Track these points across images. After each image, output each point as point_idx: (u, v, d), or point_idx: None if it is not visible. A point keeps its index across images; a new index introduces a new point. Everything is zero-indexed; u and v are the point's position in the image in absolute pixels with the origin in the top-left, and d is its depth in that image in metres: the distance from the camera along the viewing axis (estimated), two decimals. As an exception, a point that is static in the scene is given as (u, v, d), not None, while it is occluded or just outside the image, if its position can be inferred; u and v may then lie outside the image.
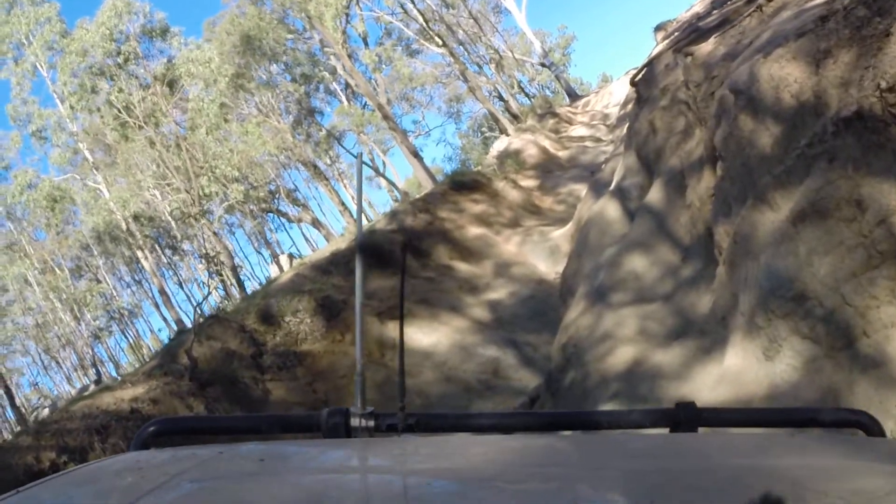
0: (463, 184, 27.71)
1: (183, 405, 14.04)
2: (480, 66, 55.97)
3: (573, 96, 53.18)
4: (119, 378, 20.52)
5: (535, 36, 58.85)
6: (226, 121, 39.31)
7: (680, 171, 13.53)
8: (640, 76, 21.18)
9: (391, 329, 18.47)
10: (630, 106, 37.89)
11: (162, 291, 38.89)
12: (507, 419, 2.28)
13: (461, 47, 49.32)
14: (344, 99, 54.96)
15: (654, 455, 1.65)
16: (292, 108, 51.48)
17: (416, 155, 32.66)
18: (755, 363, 8.60)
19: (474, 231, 25.20)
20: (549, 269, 23.54)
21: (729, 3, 14.20)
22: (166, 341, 21.07)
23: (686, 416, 1.86)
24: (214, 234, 33.81)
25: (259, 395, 15.86)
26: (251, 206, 45.96)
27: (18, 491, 1.38)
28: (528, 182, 30.58)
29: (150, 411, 13.46)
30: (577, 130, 41.74)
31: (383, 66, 53.69)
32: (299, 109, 51.57)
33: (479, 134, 61.86)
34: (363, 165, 3.41)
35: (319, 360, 16.93)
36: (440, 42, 39.57)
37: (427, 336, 18.86)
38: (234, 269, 33.47)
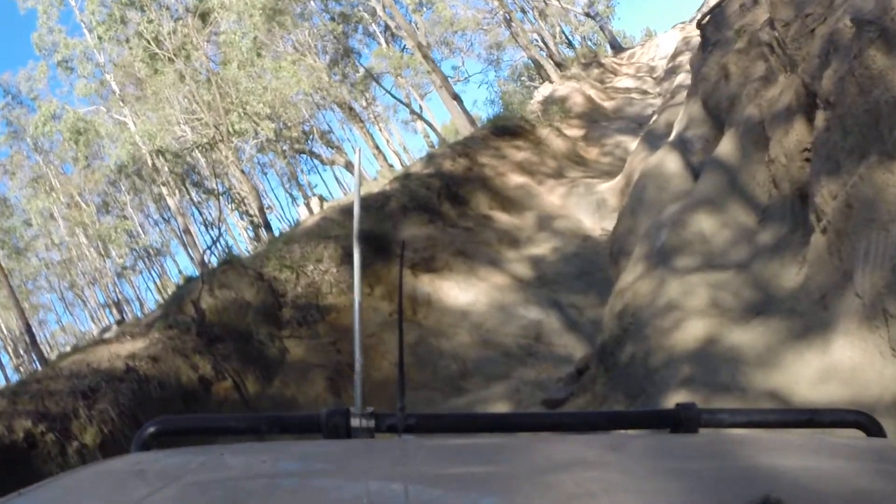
0: (506, 129, 25.87)
1: (187, 364, 12.38)
2: (525, 12, 54.20)
3: (617, 48, 51.58)
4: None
5: (582, -17, 57.18)
6: (259, 55, 37.57)
7: (759, 121, 11.98)
8: (707, 18, 19.35)
9: (425, 283, 16.88)
10: (689, 55, 36.62)
11: (186, 231, 37.35)
12: (508, 420, 2.36)
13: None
14: (383, 41, 53.61)
15: (655, 456, 1.62)
16: (329, 48, 50.12)
17: (455, 98, 30.69)
18: (879, 359, 6.97)
19: (516, 180, 23.42)
20: (595, 224, 21.84)
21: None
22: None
23: (686, 417, 1.83)
24: (242, 172, 32.10)
25: (274, 353, 14.21)
26: (283, 146, 44.59)
27: (20, 493, 1.36)
28: (573, 131, 28.76)
29: (148, 371, 11.81)
30: (623, 82, 40.05)
31: (424, 8, 51.99)
32: (336, 49, 50.12)
33: (520, 82, 59.86)
34: (361, 168, 2.49)
35: (345, 316, 15.11)
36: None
37: (464, 293, 17.18)
38: (262, 210, 31.75)
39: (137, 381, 11.13)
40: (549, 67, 34.47)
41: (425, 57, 38.31)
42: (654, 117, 26.46)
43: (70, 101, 46.37)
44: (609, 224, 21.05)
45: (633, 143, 27.07)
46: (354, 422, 1.80)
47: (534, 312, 16.94)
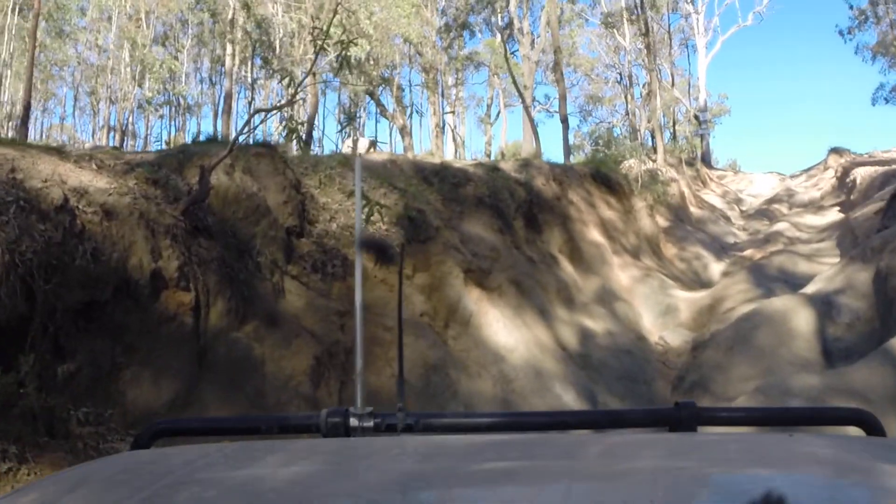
0: (606, 179, 21.63)
1: (147, 243, 7.79)
2: (638, 84, 50.50)
3: (707, 163, 47.65)
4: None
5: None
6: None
7: None
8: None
9: (473, 298, 12.56)
10: (786, 205, 33.40)
11: (229, 96, 32.77)
12: (507, 419, 2.23)
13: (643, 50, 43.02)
14: (499, 35, 50.12)
15: (654, 455, 1.57)
16: (450, 13, 46.62)
17: (564, 121, 26.41)
18: None
19: (595, 236, 19.20)
20: (656, 328, 17.68)
21: None
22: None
23: (685, 416, 1.77)
24: (314, 74, 27.83)
25: (266, 289, 9.57)
26: (362, 77, 40.78)
27: (19, 490, 1.46)
28: (660, 219, 24.60)
29: (89, 223, 7.31)
30: (710, 197, 36.20)
31: (559, 24, 48.25)
32: (456, 17, 46.63)
33: (595, 144, 56.22)
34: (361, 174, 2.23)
35: (371, 286, 10.72)
36: (642, 28, 33.15)
37: (507, 332, 12.84)
38: (312, 122, 27.43)
39: (63, 231, 6.73)
40: (659, 144, 30.21)
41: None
42: (755, 254, 22.58)
43: None
44: (671, 336, 17.06)
45: (711, 261, 23.51)
46: (354, 421, 1.74)
47: (569, 396, 12.69)
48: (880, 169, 26.90)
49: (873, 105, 61.95)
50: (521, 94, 33.13)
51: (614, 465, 1.47)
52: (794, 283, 17.42)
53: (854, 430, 1.79)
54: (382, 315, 10.19)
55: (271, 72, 33.81)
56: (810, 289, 14.47)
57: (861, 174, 28.13)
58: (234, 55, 33.37)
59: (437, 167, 15.49)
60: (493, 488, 1.31)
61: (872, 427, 1.76)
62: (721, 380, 13.01)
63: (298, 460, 1.54)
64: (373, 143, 30.95)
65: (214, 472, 1.48)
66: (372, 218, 11.28)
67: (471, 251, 13.43)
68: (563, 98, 28.32)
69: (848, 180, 30.16)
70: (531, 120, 31.69)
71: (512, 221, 15.94)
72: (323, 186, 11.62)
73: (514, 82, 32.14)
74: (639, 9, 34.58)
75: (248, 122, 10.16)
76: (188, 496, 1.29)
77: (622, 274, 19.09)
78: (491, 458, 1.52)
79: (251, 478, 1.42)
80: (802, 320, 13.45)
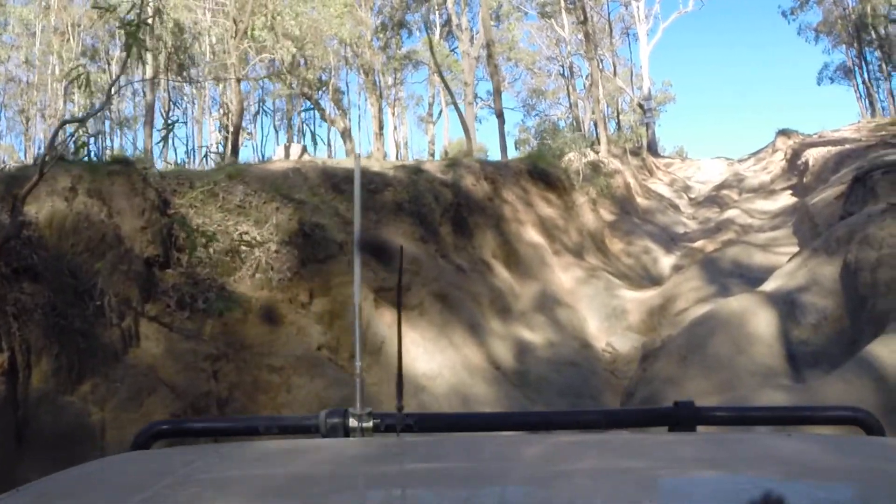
0: (544, 174, 19.86)
1: None
2: (581, 75, 49.12)
3: (653, 152, 46.36)
4: None
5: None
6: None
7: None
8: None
9: (386, 322, 10.71)
10: (736, 191, 32.04)
11: (150, 109, 30.65)
12: (506, 419, 2.23)
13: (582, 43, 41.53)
14: (437, 32, 48.75)
15: (653, 455, 1.54)
16: (386, 11, 45.03)
17: (500, 116, 24.61)
18: None
19: (533, 236, 17.46)
20: (603, 333, 15.99)
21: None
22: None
23: (685, 416, 1.77)
24: (238, 80, 25.98)
25: (114, 336, 7.24)
26: (293, 81, 39.05)
27: (17, 490, 1.32)
28: (605, 212, 22.97)
29: None
30: (657, 186, 34.90)
31: (494, 20, 46.72)
32: (392, 16, 45.09)
33: (541, 138, 54.99)
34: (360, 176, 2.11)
35: (258, 325, 8.69)
36: (580, 16, 31.52)
37: (428, 356, 10.97)
38: (238, 131, 25.47)
39: None
40: (602, 135, 28.62)
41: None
42: (707, 245, 21.01)
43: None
44: (620, 342, 15.42)
45: (661, 254, 21.96)
46: (353, 422, 1.72)
47: (503, 426, 10.96)
48: (833, 149, 25.45)
49: (819, 85, 61.69)
50: (449, 91, 31.43)
51: (613, 464, 1.42)
52: (750, 277, 15.83)
53: (853, 430, 1.74)
54: (267, 355, 8.40)
55: (187, 80, 31.86)
56: (770, 286, 12.81)
57: (813, 155, 26.69)
58: (154, 65, 31.26)
59: (349, 173, 13.65)
60: (492, 488, 1.28)
61: (872, 427, 1.72)
62: (674, 395, 11.26)
63: (298, 461, 1.52)
64: (304, 149, 29.06)
65: (214, 472, 1.44)
66: (264, 228, 9.53)
67: (385, 266, 11.66)
68: (497, 92, 26.56)
69: (799, 162, 28.79)
70: (461, 116, 30.03)
71: (437, 227, 14.15)
72: (200, 205, 9.70)
73: (441, 77, 30.44)
74: (574, -4, 32.95)
75: (53, 137, 8.18)
76: (188, 496, 1.26)
77: (564, 275, 17.39)
78: (490, 458, 1.49)
79: (251, 478, 1.38)
80: (763, 323, 11.82)
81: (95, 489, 1.35)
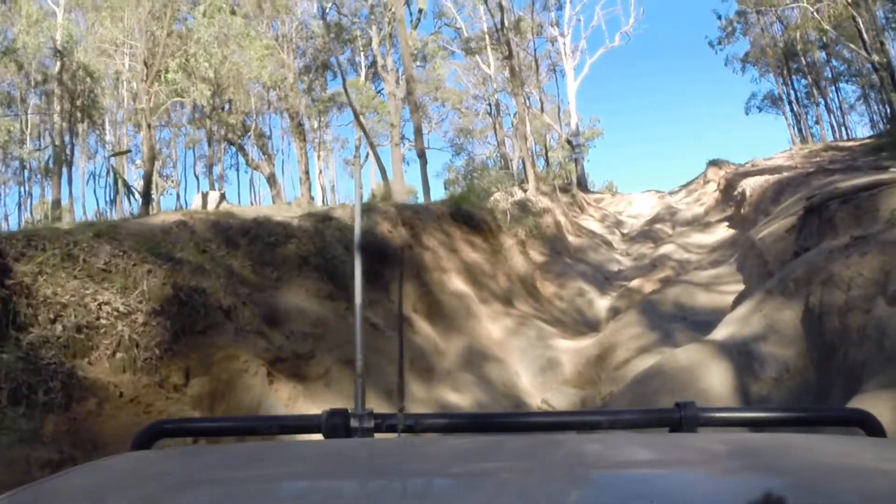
0: (468, 217, 18.34)
1: None
2: (509, 114, 48.16)
3: (583, 187, 45.45)
4: None
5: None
6: (233, 13, 30.35)
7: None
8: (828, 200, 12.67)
9: (283, 399, 9.04)
10: (669, 224, 30.95)
11: (61, 146, 28.68)
12: (506, 420, 2.14)
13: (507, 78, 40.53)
14: (363, 74, 47.57)
15: (654, 455, 1.52)
16: (309, 54, 43.64)
17: (421, 156, 23.03)
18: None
19: (457, 284, 15.89)
20: (537, 389, 14.46)
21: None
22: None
23: (686, 417, 1.74)
24: (149, 126, 24.23)
25: None
26: (214, 127, 37.35)
27: (17, 491, 1.29)
28: (535, 254, 21.54)
29: None
30: (588, 223, 33.81)
31: (419, 60, 45.55)
32: (315, 58, 43.69)
33: (469, 178, 53.99)
34: (361, 185, 2.56)
35: (113, 418, 6.91)
36: (505, 52, 30.30)
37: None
38: (149, 178, 23.65)
39: None
40: (531, 173, 27.32)
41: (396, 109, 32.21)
42: (644, 284, 19.62)
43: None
44: (556, 398, 13.92)
45: (596, 296, 20.62)
46: (354, 422, 1.69)
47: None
48: (771, 178, 24.34)
49: (747, 114, 61.71)
50: (365, 132, 30.00)
51: (615, 465, 1.42)
52: (695, 320, 14.44)
53: (854, 431, 1.72)
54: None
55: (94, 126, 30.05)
56: (721, 334, 11.29)
57: (750, 185, 25.57)
58: (60, 112, 29.35)
59: (248, 224, 11.94)
60: (491, 488, 1.24)
61: (873, 428, 1.72)
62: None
63: (299, 460, 1.50)
64: (223, 197, 27.34)
65: (215, 472, 1.41)
66: (128, 297, 7.85)
67: (284, 332, 10.00)
68: (418, 131, 25.07)
69: (735, 193, 27.71)
70: (377, 158, 28.61)
71: (348, 282, 12.51)
72: (52, 271, 8.00)
73: (357, 119, 28.88)
74: (499, 31, 31.69)
75: None
76: (188, 496, 1.22)
77: (493, 326, 15.84)
78: (491, 459, 1.48)
79: (252, 478, 1.35)
80: (717, 378, 10.33)
81: (96, 489, 1.30)
